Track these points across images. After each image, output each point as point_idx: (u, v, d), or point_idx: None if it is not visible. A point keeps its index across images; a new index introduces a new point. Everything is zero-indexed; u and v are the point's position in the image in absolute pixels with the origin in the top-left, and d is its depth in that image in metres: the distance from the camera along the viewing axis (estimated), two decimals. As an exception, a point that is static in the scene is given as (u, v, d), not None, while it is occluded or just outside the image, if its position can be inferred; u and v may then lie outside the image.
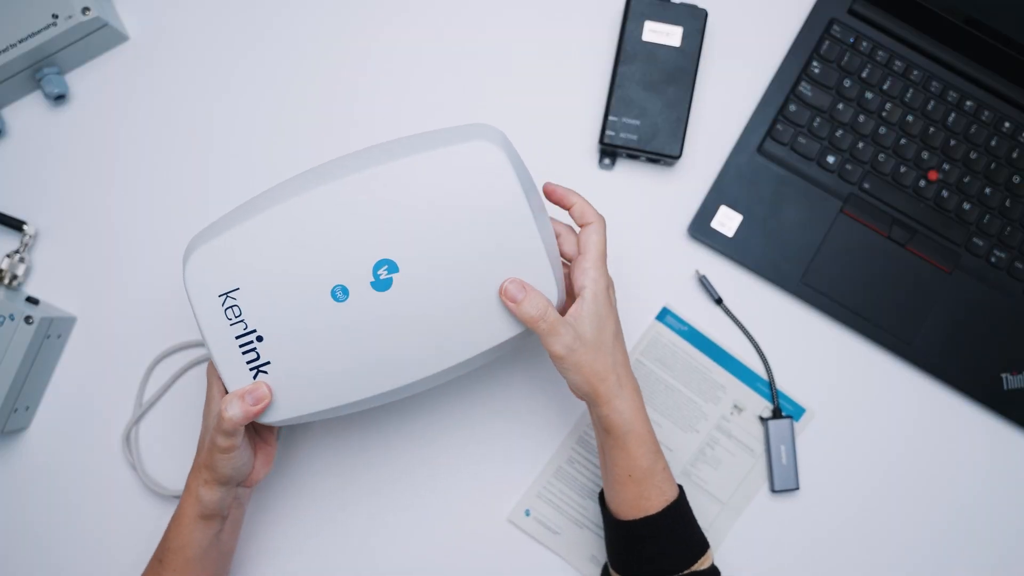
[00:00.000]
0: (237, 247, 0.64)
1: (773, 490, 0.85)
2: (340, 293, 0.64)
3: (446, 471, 0.85)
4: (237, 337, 0.64)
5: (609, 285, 0.72)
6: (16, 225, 0.86)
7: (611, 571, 0.77)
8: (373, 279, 0.64)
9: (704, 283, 0.87)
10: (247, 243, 0.64)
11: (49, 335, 0.83)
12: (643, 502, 0.72)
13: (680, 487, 0.75)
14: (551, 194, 0.73)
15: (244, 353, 0.65)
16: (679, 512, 0.73)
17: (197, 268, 0.64)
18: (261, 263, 0.64)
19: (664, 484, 0.73)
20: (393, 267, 0.64)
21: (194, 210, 0.88)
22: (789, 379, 0.87)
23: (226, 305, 0.64)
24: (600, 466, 0.76)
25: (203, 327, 0.65)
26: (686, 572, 0.72)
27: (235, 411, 0.65)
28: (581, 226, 0.71)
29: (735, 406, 0.86)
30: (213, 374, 0.71)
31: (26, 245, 0.86)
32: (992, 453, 0.87)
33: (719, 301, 0.87)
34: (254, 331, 0.64)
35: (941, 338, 0.87)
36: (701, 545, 0.74)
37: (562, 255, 0.72)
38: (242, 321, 0.64)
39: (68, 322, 0.86)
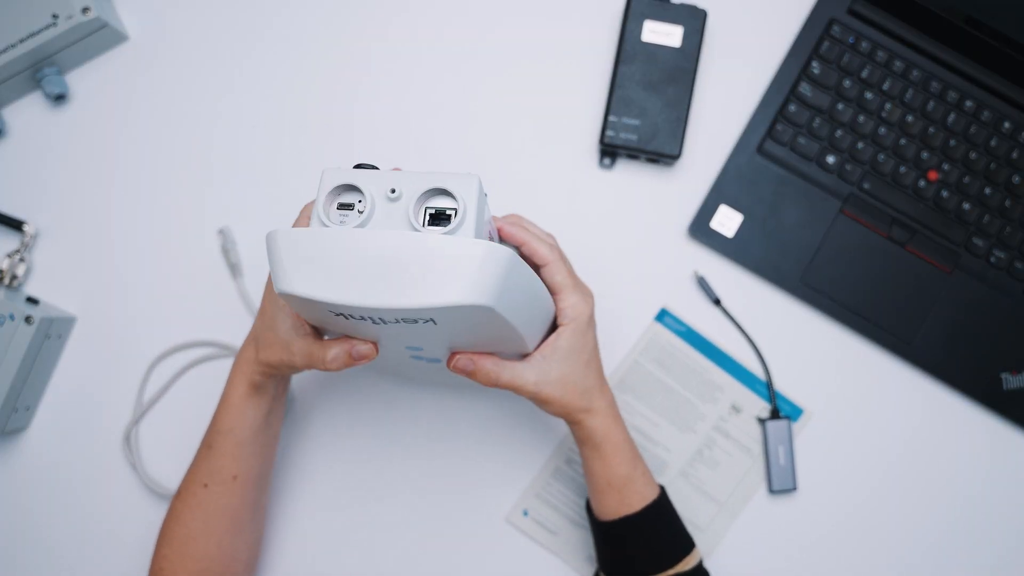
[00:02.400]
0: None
1: (771, 491, 0.85)
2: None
3: (444, 471, 0.86)
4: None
5: (591, 311, 0.70)
6: (16, 225, 0.86)
7: (600, 573, 0.77)
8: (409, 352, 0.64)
9: (702, 284, 0.87)
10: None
11: (49, 335, 0.83)
12: (624, 508, 0.73)
13: (661, 488, 0.75)
14: (500, 232, 0.69)
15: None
16: (658, 512, 0.74)
17: None
18: None
19: (644, 488, 0.73)
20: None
21: (194, 210, 0.88)
22: (787, 380, 0.87)
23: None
24: (584, 474, 0.76)
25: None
26: (670, 573, 0.72)
27: (339, 363, 0.62)
28: (538, 266, 0.68)
29: (733, 407, 0.86)
30: None
31: (26, 245, 0.86)
32: (992, 453, 0.87)
33: (717, 302, 0.87)
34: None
35: (941, 338, 0.87)
36: (685, 545, 0.74)
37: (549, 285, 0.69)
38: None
39: (68, 322, 0.86)
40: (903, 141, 0.88)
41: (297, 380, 0.86)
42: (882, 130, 0.88)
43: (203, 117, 0.90)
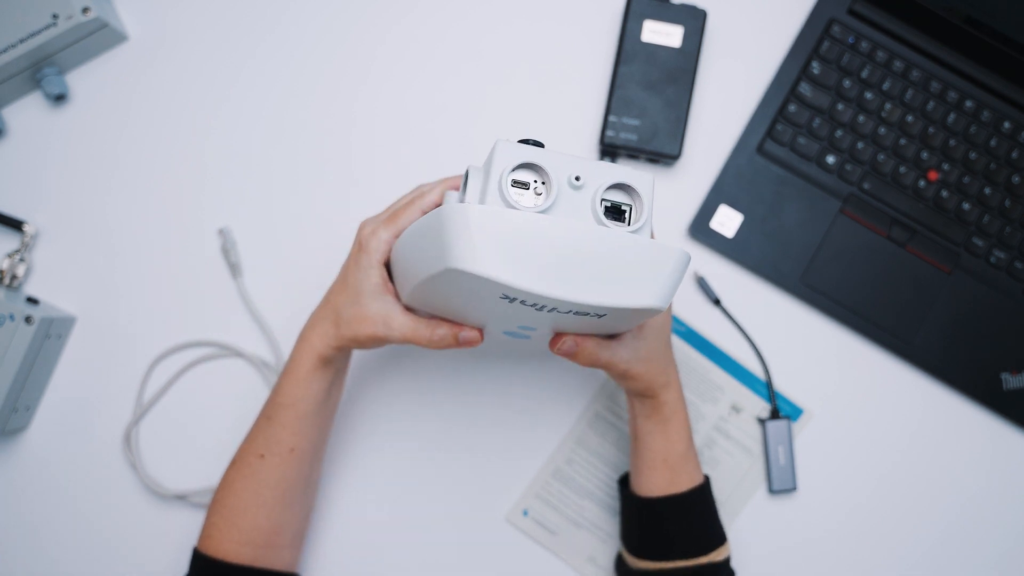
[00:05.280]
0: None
1: (771, 491, 0.85)
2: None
3: (444, 469, 0.86)
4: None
5: None
6: (16, 225, 0.86)
7: (625, 555, 0.77)
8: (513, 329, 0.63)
9: (702, 284, 0.87)
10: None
11: (49, 335, 0.83)
12: (672, 487, 0.74)
13: (706, 476, 0.76)
14: None
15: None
16: (703, 497, 0.75)
17: None
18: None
19: (694, 471, 0.75)
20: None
21: (193, 210, 0.88)
22: (787, 380, 0.87)
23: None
24: (631, 451, 0.77)
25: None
26: (703, 560, 0.73)
27: (445, 343, 0.64)
28: None
29: (733, 407, 0.86)
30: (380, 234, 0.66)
31: (26, 245, 0.86)
32: (992, 453, 0.87)
33: (717, 302, 0.87)
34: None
35: (941, 338, 0.87)
36: (719, 536, 0.75)
37: None
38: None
39: (68, 322, 0.86)
40: (903, 141, 0.88)
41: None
42: (882, 130, 0.88)
43: (203, 117, 0.90)
